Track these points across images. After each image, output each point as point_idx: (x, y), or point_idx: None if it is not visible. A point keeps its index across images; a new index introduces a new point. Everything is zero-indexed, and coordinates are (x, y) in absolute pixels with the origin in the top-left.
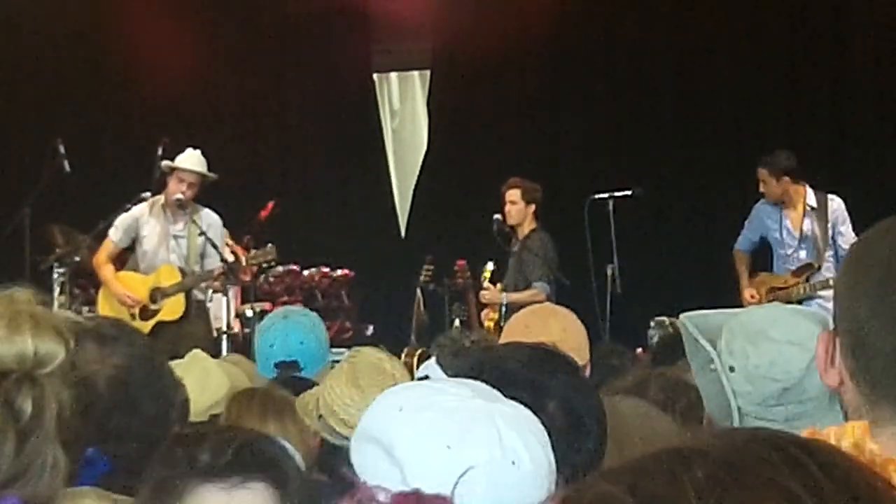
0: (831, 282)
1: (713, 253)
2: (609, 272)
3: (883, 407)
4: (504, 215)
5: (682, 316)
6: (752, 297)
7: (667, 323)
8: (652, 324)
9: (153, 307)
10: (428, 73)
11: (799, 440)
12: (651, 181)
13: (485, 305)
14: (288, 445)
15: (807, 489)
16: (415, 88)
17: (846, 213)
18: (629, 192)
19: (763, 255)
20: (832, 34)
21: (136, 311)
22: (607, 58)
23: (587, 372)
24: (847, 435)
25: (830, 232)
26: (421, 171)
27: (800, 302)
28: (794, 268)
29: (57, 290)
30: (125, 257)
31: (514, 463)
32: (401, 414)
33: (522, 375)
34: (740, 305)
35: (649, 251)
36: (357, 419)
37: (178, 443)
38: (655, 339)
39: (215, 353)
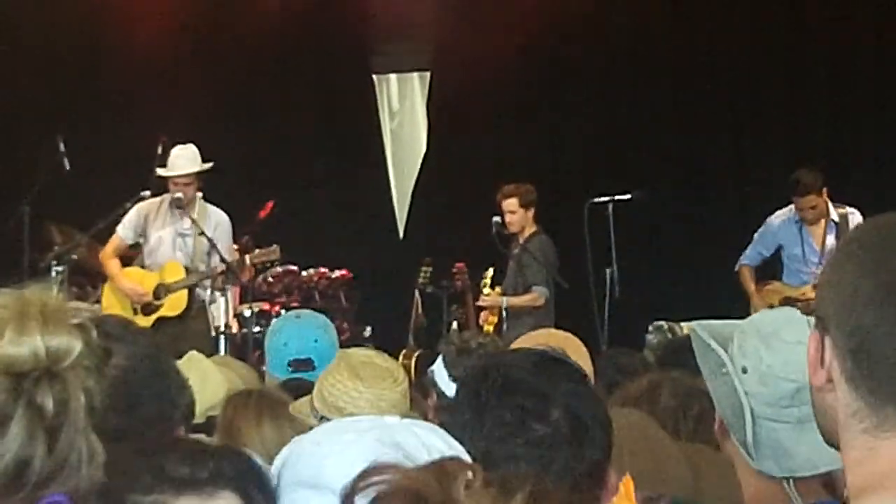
0: None
1: (712, 257)
2: (608, 276)
3: (889, 412)
4: (503, 220)
5: (691, 323)
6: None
7: (665, 327)
8: (650, 328)
9: (156, 303)
10: (427, 74)
11: None
12: (650, 185)
13: (482, 308)
14: (258, 458)
15: None
16: (414, 90)
17: None
18: (628, 196)
19: (767, 266)
20: (833, 40)
21: (139, 306)
22: (607, 61)
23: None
24: None
25: None
26: (420, 173)
27: None
28: (813, 282)
29: (55, 287)
30: (133, 255)
31: None
32: (320, 447)
33: (528, 383)
34: (743, 315)
35: (648, 255)
36: (365, 411)
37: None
38: (655, 343)
39: (214, 353)
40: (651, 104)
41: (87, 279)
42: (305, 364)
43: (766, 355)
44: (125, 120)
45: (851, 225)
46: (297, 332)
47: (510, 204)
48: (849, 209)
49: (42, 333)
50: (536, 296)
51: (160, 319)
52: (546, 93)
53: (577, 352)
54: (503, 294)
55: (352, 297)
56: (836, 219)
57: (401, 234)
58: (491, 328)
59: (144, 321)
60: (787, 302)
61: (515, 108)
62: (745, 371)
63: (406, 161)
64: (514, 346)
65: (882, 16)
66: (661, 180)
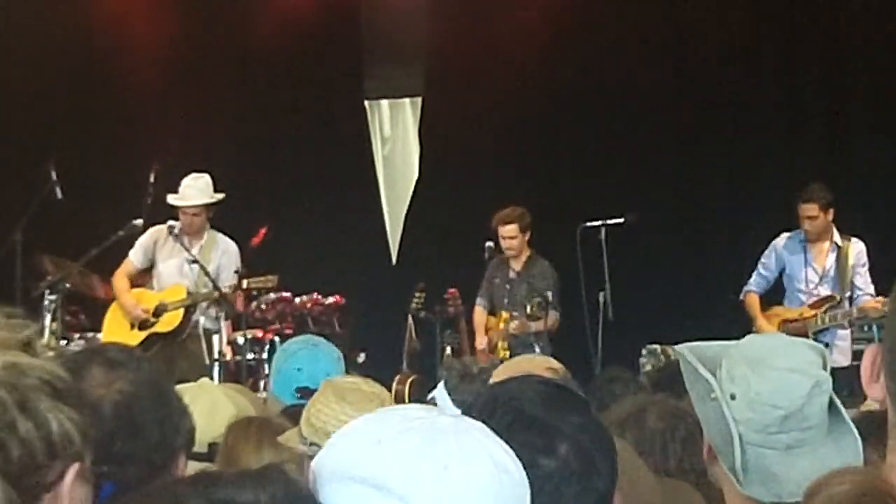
0: (848, 316)
1: (705, 281)
2: (601, 300)
3: None
4: (496, 245)
5: (679, 347)
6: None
7: (659, 351)
8: (644, 351)
9: (153, 320)
10: (419, 100)
11: None
12: (643, 209)
13: (473, 333)
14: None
15: None
16: (406, 115)
17: (866, 258)
18: (621, 220)
19: (768, 294)
20: (830, 66)
21: (137, 322)
22: (600, 85)
23: None
24: None
25: (850, 273)
26: (412, 198)
27: (816, 334)
28: (811, 302)
29: (48, 316)
30: (143, 280)
31: (506, 471)
32: (381, 446)
33: (536, 417)
34: (735, 336)
35: (641, 279)
36: None
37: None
38: (648, 367)
39: (208, 376)
40: (644, 128)
41: (81, 308)
42: (312, 394)
43: (755, 382)
44: (117, 147)
45: (853, 253)
46: (312, 360)
47: (510, 230)
48: (853, 239)
49: None
50: (556, 319)
51: (153, 335)
52: (538, 117)
53: (553, 364)
54: (512, 320)
55: (345, 322)
56: (840, 243)
57: (393, 260)
58: (507, 354)
59: (137, 336)
60: (786, 324)
61: (507, 133)
62: (733, 398)
63: (398, 187)
64: (497, 373)
65: (879, 43)
66: (654, 204)
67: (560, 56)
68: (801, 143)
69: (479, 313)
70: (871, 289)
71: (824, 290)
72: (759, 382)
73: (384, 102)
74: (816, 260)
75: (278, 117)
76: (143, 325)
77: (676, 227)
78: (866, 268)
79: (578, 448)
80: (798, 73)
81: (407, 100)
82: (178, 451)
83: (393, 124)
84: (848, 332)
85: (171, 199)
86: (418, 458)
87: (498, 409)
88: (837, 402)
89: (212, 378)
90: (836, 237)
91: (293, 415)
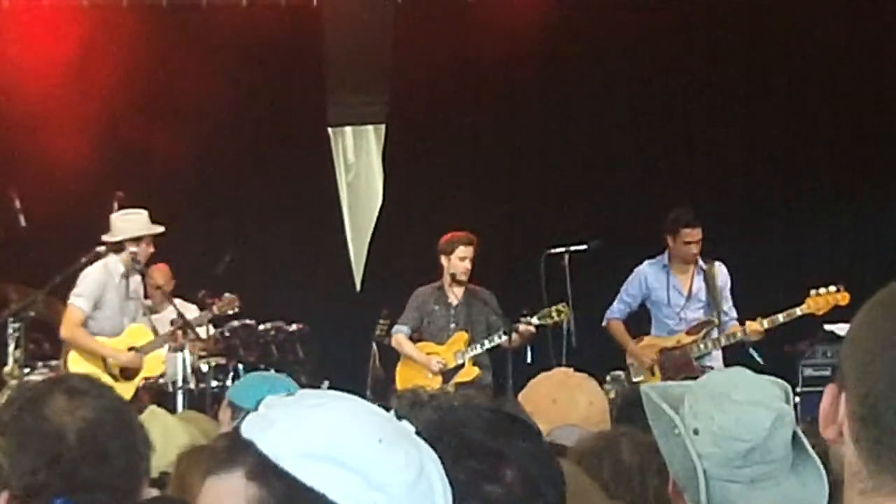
0: (729, 339)
1: None
2: (564, 326)
3: (887, 479)
4: (454, 268)
5: (643, 387)
6: (651, 360)
7: (622, 378)
8: (608, 378)
9: (133, 368)
10: (383, 127)
11: None
12: (606, 235)
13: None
14: None
15: None
16: (370, 142)
17: (730, 282)
18: (585, 247)
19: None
20: (791, 90)
21: (118, 370)
22: (563, 112)
23: None
24: None
25: (720, 296)
26: (376, 226)
27: (698, 359)
28: (680, 328)
29: (12, 344)
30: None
31: (430, 490)
32: (381, 445)
33: (482, 444)
34: None
35: (605, 305)
36: None
37: None
38: (612, 394)
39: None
40: (607, 154)
41: (44, 336)
42: None
43: (718, 416)
44: (80, 175)
45: (720, 276)
46: (263, 381)
47: (470, 251)
48: (716, 262)
49: None
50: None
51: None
52: (502, 144)
53: (592, 390)
54: (471, 343)
55: (309, 350)
56: (704, 266)
57: (357, 287)
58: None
59: (129, 386)
60: (664, 353)
61: (471, 160)
62: (696, 433)
63: (362, 214)
64: (531, 385)
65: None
66: (617, 230)
67: (523, 83)
68: (766, 171)
69: (404, 339)
70: (735, 313)
71: (691, 314)
72: (722, 416)
73: (348, 129)
74: (682, 283)
75: (242, 144)
76: (124, 371)
77: (640, 254)
78: (729, 291)
79: (525, 475)
80: (762, 97)
81: (370, 127)
82: (143, 477)
83: (357, 151)
84: (719, 352)
85: (139, 229)
86: (408, 465)
87: (445, 436)
88: (801, 435)
89: (175, 405)
90: (700, 261)
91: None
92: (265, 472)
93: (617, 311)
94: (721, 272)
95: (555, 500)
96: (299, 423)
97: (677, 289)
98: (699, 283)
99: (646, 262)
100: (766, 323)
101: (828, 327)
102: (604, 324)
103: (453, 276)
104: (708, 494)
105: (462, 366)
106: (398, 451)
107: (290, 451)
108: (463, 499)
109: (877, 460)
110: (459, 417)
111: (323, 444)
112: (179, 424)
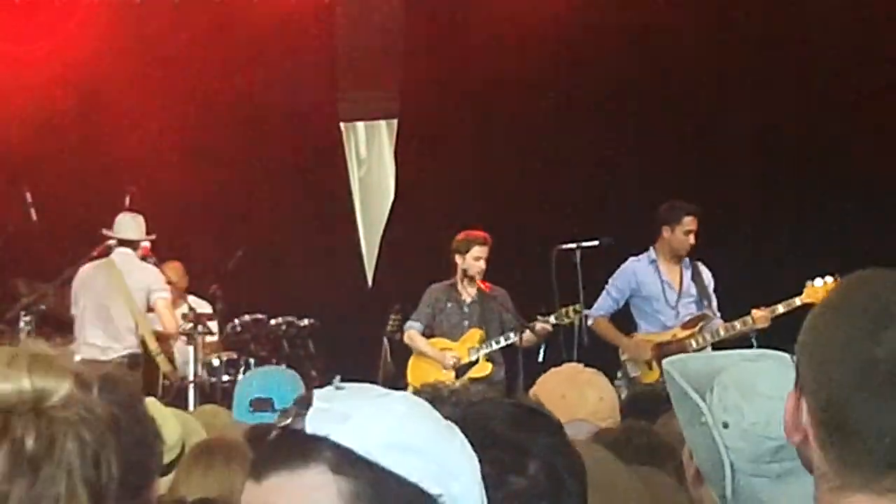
0: (729, 331)
1: None
2: (575, 322)
3: (853, 479)
4: (467, 267)
5: (665, 362)
6: (649, 355)
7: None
8: (619, 374)
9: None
10: (395, 122)
11: None
12: (618, 230)
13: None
14: None
15: None
16: (382, 137)
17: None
18: (596, 242)
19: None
20: (802, 92)
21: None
22: (574, 106)
23: None
24: None
25: (709, 292)
26: (388, 221)
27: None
28: (675, 324)
29: (23, 338)
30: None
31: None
32: (448, 433)
33: (505, 436)
34: None
35: None
36: None
37: None
38: (624, 392)
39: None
40: (618, 151)
41: (56, 330)
42: (265, 403)
43: (749, 412)
44: (92, 169)
45: (704, 273)
46: (262, 374)
47: (486, 251)
48: (699, 262)
49: (29, 372)
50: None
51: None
52: (514, 138)
53: (602, 385)
54: (487, 340)
55: (320, 345)
56: (690, 263)
57: (369, 282)
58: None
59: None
60: (660, 348)
61: (483, 154)
62: (726, 426)
63: (374, 209)
64: (541, 381)
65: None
66: (629, 226)
67: (534, 77)
68: (775, 167)
69: (417, 335)
70: (719, 314)
71: (684, 309)
72: (753, 412)
73: (360, 124)
74: (672, 278)
75: (253, 139)
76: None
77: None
78: (713, 291)
79: (549, 468)
80: (769, 97)
81: (382, 122)
82: (154, 472)
83: (369, 146)
84: (708, 348)
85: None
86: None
87: (468, 430)
88: None
89: (186, 399)
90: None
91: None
92: (352, 464)
93: (603, 308)
94: (706, 271)
95: (578, 492)
96: (377, 415)
97: (669, 284)
98: (688, 279)
99: (630, 259)
100: (768, 312)
101: None
102: (589, 322)
103: (466, 274)
104: (733, 488)
105: (475, 362)
106: (458, 440)
107: (375, 441)
108: (487, 490)
109: (843, 461)
110: (482, 411)
111: (404, 434)
112: (173, 417)
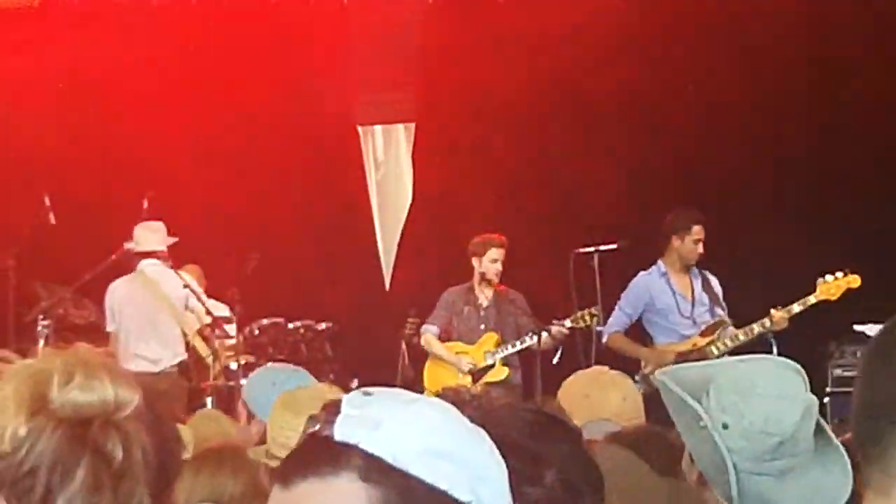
0: (748, 334)
1: None
2: (594, 326)
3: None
4: (484, 269)
5: (658, 373)
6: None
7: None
8: (637, 377)
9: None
10: (412, 125)
11: None
12: (636, 234)
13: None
14: None
15: None
16: (399, 140)
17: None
18: (614, 246)
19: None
20: (815, 106)
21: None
22: (593, 111)
23: None
24: None
25: (720, 299)
26: (405, 224)
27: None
28: (693, 332)
29: (42, 342)
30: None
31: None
32: (476, 439)
33: (523, 445)
34: None
35: None
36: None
37: None
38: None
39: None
40: (637, 153)
41: (73, 334)
42: None
43: (747, 411)
44: (110, 173)
45: (711, 278)
46: (283, 374)
47: (502, 254)
48: (705, 271)
49: (112, 381)
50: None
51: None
52: (531, 142)
53: (626, 386)
54: (503, 344)
55: (338, 349)
56: (698, 272)
57: (387, 286)
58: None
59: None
60: (682, 357)
61: (501, 158)
62: (725, 427)
63: (391, 212)
64: (572, 388)
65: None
66: (647, 230)
67: (552, 81)
68: (789, 176)
69: (433, 339)
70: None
71: (699, 318)
72: (751, 411)
73: (377, 127)
74: (683, 289)
75: (271, 143)
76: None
77: None
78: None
79: (565, 479)
80: (782, 105)
81: (400, 125)
82: (174, 479)
83: (386, 149)
84: None
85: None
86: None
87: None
88: (823, 422)
89: (204, 402)
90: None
91: None
92: (382, 472)
93: (617, 324)
94: (714, 279)
95: (595, 502)
96: (410, 421)
97: (681, 294)
98: (699, 287)
99: (641, 274)
100: (785, 312)
101: (857, 328)
102: (604, 340)
103: (483, 277)
104: (739, 488)
105: (492, 366)
106: (487, 444)
107: (407, 448)
108: None
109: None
110: (500, 419)
111: (437, 441)
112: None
